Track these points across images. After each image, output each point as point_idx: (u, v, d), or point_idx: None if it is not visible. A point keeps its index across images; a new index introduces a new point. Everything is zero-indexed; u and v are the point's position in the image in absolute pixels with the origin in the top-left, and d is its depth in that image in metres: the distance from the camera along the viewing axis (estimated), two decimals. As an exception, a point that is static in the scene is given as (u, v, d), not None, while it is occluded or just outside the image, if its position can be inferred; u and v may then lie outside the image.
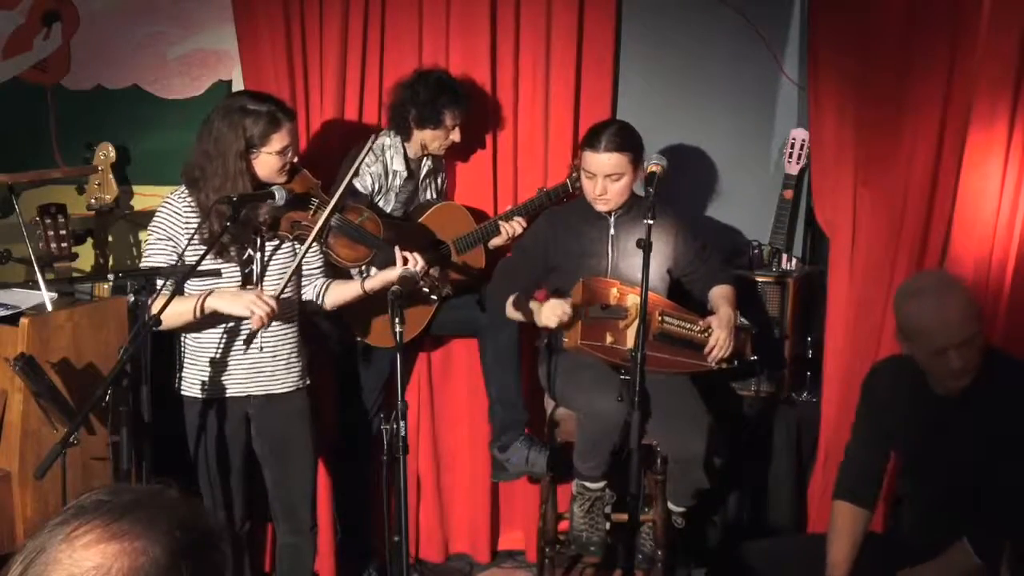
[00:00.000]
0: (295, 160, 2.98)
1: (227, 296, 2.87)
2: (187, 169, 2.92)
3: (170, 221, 2.89)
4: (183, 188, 2.93)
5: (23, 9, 3.88)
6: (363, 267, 3.22)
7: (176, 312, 2.79)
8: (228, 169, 2.85)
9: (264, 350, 3.00)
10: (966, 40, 3.10)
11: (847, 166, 3.38)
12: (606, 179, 3.26)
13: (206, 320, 2.89)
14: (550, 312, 3.18)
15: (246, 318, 2.91)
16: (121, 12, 3.88)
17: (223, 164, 2.85)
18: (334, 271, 3.17)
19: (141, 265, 2.91)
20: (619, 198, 3.30)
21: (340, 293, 3.12)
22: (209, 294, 2.85)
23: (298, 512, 3.16)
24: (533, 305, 3.29)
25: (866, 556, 2.67)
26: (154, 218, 2.93)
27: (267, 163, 2.90)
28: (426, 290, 3.05)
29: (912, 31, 3.21)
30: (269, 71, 3.64)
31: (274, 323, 2.98)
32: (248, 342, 2.96)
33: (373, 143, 3.19)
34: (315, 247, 3.05)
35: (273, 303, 2.83)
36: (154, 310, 2.75)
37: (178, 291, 2.73)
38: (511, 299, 3.33)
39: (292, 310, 3.06)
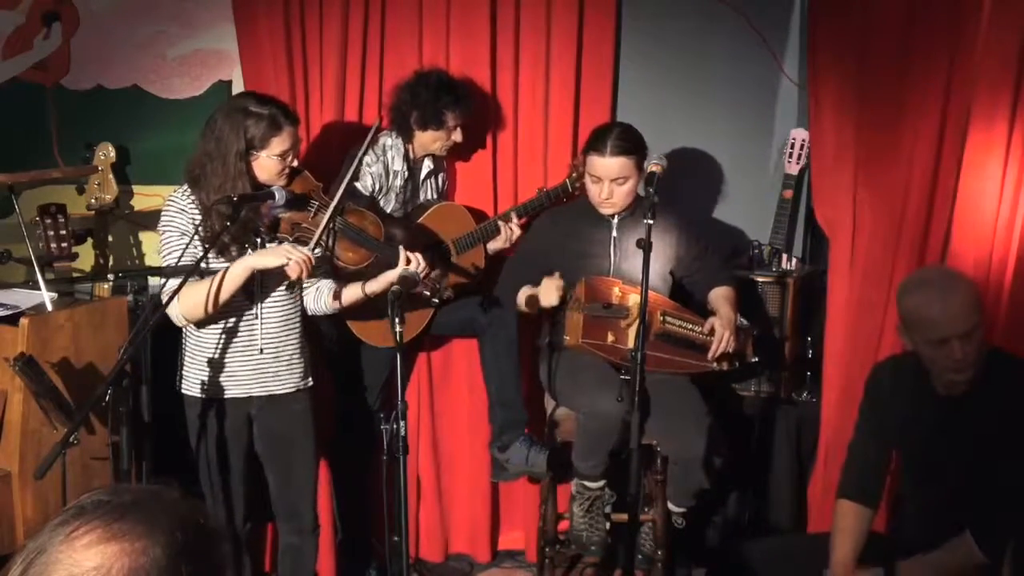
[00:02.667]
0: (295, 164, 2.98)
1: (258, 253, 2.87)
2: (189, 167, 2.92)
3: (179, 219, 2.89)
4: (186, 186, 2.93)
5: (23, 9, 3.88)
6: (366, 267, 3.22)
7: (195, 301, 2.81)
8: (228, 169, 2.85)
9: (266, 351, 3.00)
10: (966, 40, 3.10)
11: (847, 166, 3.38)
12: (612, 183, 3.25)
13: (227, 303, 2.87)
14: (547, 291, 3.18)
15: (251, 319, 2.91)
16: (121, 12, 3.88)
17: (223, 164, 2.85)
18: (336, 274, 3.17)
19: (161, 265, 2.90)
20: (625, 201, 3.30)
21: (342, 297, 3.11)
22: (227, 268, 2.84)
23: (300, 512, 3.16)
24: (532, 291, 3.29)
25: (868, 555, 2.67)
26: (162, 217, 2.92)
27: (266, 166, 2.90)
28: (427, 293, 3.05)
29: (912, 31, 3.21)
30: (269, 71, 3.64)
31: (276, 323, 2.99)
32: (291, 288, 2.96)
33: (373, 137, 3.19)
34: (317, 249, 3.06)
35: (308, 252, 2.83)
36: (169, 309, 2.77)
37: (182, 287, 2.74)
38: (519, 298, 3.33)
39: (294, 311, 3.06)
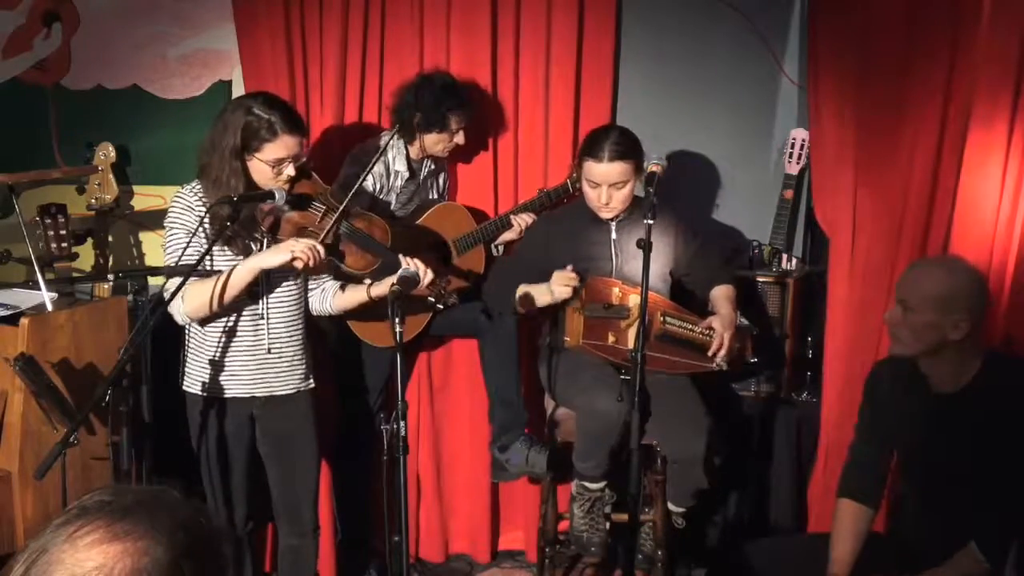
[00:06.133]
0: (293, 173, 2.92)
1: (262, 253, 2.87)
2: (199, 154, 2.93)
3: (185, 216, 2.88)
4: (195, 182, 2.93)
5: (23, 9, 3.88)
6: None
7: (199, 301, 2.81)
8: (224, 164, 2.85)
9: (272, 350, 3.00)
10: (966, 40, 3.10)
11: (847, 166, 3.38)
12: (611, 188, 3.24)
13: (232, 303, 2.87)
14: (558, 284, 3.17)
15: (256, 319, 2.91)
16: (121, 12, 3.88)
17: (220, 157, 2.86)
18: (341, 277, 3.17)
19: (164, 262, 2.90)
20: (623, 205, 3.29)
21: (346, 299, 3.11)
22: (233, 269, 2.83)
23: (301, 513, 3.16)
24: (537, 289, 3.26)
25: (867, 555, 2.67)
26: (168, 215, 2.92)
27: (259, 169, 2.89)
28: (431, 299, 3.05)
29: (912, 31, 3.21)
30: (269, 71, 3.64)
31: (280, 324, 2.99)
32: (298, 275, 2.94)
33: (383, 150, 3.21)
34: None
35: (313, 241, 2.83)
36: (172, 307, 2.77)
37: (183, 286, 2.74)
38: (517, 297, 3.31)
39: (298, 311, 3.06)
